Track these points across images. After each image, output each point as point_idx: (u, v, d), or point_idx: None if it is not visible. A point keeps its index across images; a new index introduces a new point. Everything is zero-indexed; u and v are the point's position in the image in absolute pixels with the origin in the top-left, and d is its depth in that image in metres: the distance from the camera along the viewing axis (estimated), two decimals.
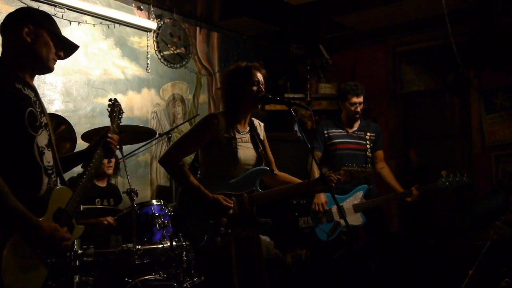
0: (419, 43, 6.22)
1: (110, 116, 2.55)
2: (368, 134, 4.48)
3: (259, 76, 2.95)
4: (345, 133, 4.51)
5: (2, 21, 2.27)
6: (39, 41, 2.21)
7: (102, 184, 4.43)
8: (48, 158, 2.21)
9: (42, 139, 2.19)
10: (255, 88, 2.91)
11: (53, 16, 2.41)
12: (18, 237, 1.99)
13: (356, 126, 4.53)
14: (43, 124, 2.21)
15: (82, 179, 2.29)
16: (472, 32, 4.87)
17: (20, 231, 2.00)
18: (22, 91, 2.13)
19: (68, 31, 4.60)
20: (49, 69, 2.28)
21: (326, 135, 4.52)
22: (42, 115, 2.23)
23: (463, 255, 4.54)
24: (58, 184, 2.26)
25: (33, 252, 2.03)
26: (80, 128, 4.46)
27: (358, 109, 4.45)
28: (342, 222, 4.23)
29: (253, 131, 3.04)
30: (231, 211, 2.79)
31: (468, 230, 4.93)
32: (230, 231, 2.81)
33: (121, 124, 2.65)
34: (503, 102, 5.57)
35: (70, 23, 4.61)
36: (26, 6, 2.47)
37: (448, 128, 6.17)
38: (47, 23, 2.27)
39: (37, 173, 2.13)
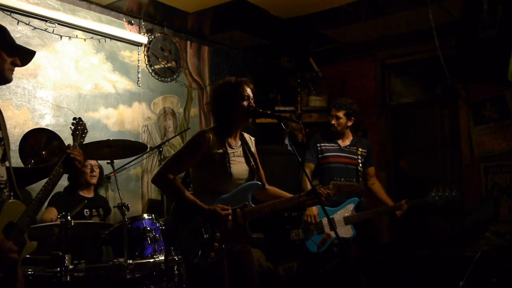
0: (408, 56, 6.29)
1: (72, 134, 2.54)
2: (360, 149, 4.53)
3: (249, 91, 2.98)
4: (337, 147, 4.55)
5: None
6: None
7: (89, 194, 4.42)
8: (1, 172, 2.21)
9: None
10: (245, 103, 2.94)
11: (8, 29, 2.37)
12: None
13: (348, 141, 4.57)
14: None
15: (38, 195, 2.27)
16: (459, 45, 4.92)
17: None
18: None
19: (59, 46, 4.62)
20: (6, 80, 2.29)
21: (319, 148, 4.56)
22: None
23: (453, 266, 4.57)
24: (11, 199, 2.25)
25: None
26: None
27: (333, 121, 4.51)
28: (332, 234, 4.27)
29: (244, 145, 3.06)
30: (230, 218, 2.79)
31: (458, 241, 4.96)
32: (223, 246, 2.81)
33: (87, 131, 2.63)
34: (491, 114, 5.63)
35: (61, 37, 4.62)
36: None
37: (437, 140, 6.22)
38: None
39: None
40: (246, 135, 3.15)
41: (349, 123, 4.55)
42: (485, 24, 4.51)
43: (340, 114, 4.51)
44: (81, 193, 4.37)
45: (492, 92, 5.58)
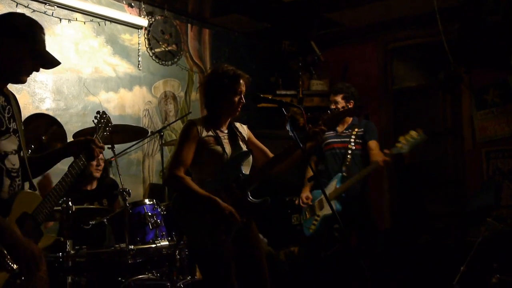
0: (411, 40, 6.23)
1: (96, 127, 2.51)
2: (356, 130, 4.51)
3: (243, 86, 2.95)
4: (334, 134, 4.57)
5: None
6: (11, 56, 2.16)
7: (91, 187, 4.39)
8: (13, 161, 2.17)
9: (7, 144, 2.15)
10: (236, 98, 2.92)
11: (41, 19, 2.35)
12: None
13: (346, 125, 4.58)
14: (11, 130, 2.18)
15: (56, 187, 2.23)
16: (463, 30, 4.88)
17: None
18: None
19: (59, 29, 4.57)
20: (20, 82, 2.26)
21: None
22: (12, 120, 2.19)
23: (454, 252, 4.58)
24: (27, 189, 2.21)
25: None
26: (71, 127, 4.44)
27: (332, 106, 4.53)
28: (321, 213, 4.35)
29: (234, 132, 3.04)
30: (238, 221, 2.77)
31: (460, 227, 4.96)
32: (230, 225, 2.80)
33: (112, 124, 2.61)
34: (493, 99, 5.60)
35: (60, 20, 4.57)
36: (11, 12, 2.38)
37: (439, 125, 6.19)
38: (27, 37, 2.18)
39: None
40: (237, 124, 3.12)
41: (351, 105, 4.51)
42: (489, 9, 4.47)
43: (338, 98, 4.52)
44: (84, 187, 4.35)
45: (495, 77, 5.53)
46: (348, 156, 4.43)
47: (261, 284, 2.93)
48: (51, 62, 2.29)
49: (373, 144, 4.50)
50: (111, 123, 2.58)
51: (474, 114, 5.71)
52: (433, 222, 5.73)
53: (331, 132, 4.55)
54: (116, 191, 3.57)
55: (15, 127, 2.21)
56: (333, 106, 4.53)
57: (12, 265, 1.99)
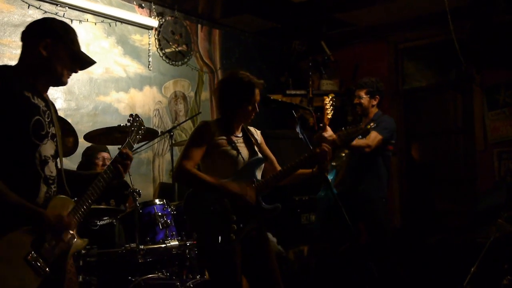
0: (422, 40, 6.20)
1: (128, 130, 2.49)
2: (370, 125, 4.33)
3: (258, 96, 2.95)
4: None
5: (24, 29, 2.27)
6: (55, 57, 2.20)
7: None
8: (52, 168, 2.20)
9: (47, 148, 2.18)
10: (250, 107, 2.93)
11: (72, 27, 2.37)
12: (8, 242, 1.97)
13: (368, 119, 4.38)
14: (50, 135, 2.20)
15: (88, 191, 2.24)
16: (474, 30, 4.85)
17: (25, 221, 2.00)
18: (30, 100, 2.13)
19: None
20: (63, 83, 2.29)
21: None
22: (51, 125, 2.22)
23: (465, 253, 4.56)
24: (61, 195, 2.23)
25: (23, 262, 1.99)
26: (82, 127, 4.48)
27: (355, 101, 4.38)
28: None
29: (248, 136, 3.06)
30: (252, 201, 2.80)
31: (470, 228, 4.94)
32: (241, 226, 2.83)
33: (145, 127, 2.58)
34: (505, 99, 5.56)
35: (71, 21, 4.60)
36: (48, 17, 2.44)
37: (450, 125, 6.16)
38: (66, 39, 2.25)
39: (35, 181, 2.12)
40: (252, 128, 3.14)
41: (374, 102, 4.36)
42: (501, 9, 4.45)
43: (362, 93, 4.35)
44: None
45: (507, 77, 5.49)
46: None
47: (269, 273, 2.94)
48: (88, 62, 2.35)
49: (371, 134, 4.14)
50: (143, 126, 2.56)
51: (486, 114, 5.67)
52: (443, 221, 5.71)
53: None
54: (126, 191, 3.58)
55: (54, 132, 2.24)
56: (356, 101, 4.37)
57: (42, 266, 2.04)
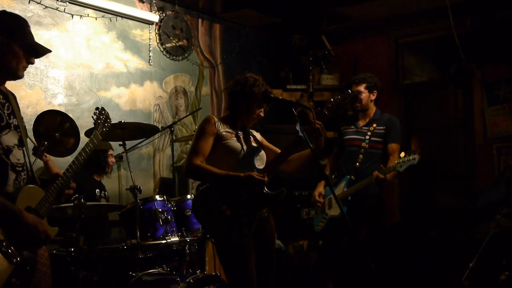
0: (422, 34, 6.18)
1: (95, 123, 2.60)
2: (374, 126, 4.34)
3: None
4: (354, 130, 4.43)
5: None
6: (9, 54, 2.25)
7: (98, 178, 4.52)
8: (18, 155, 2.26)
9: (10, 138, 2.24)
10: (258, 111, 3.06)
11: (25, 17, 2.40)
12: None
13: (367, 119, 4.41)
14: (12, 126, 2.27)
15: (57, 181, 2.32)
16: (475, 25, 4.85)
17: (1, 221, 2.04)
18: None
19: (71, 25, 4.61)
20: (19, 77, 2.34)
21: (342, 131, 4.52)
22: (12, 116, 2.28)
23: (464, 248, 4.58)
24: (30, 184, 2.28)
25: None
26: (83, 122, 4.49)
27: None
28: (329, 212, 4.32)
29: (247, 134, 3.15)
30: (266, 180, 2.85)
31: (470, 223, 4.95)
32: (251, 218, 2.89)
33: (110, 120, 2.68)
34: (505, 94, 5.55)
35: (72, 16, 4.61)
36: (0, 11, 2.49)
37: (450, 120, 6.16)
38: (19, 34, 2.28)
39: (2, 169, 2.18)
40: (252, 130, 3.24)
41: (372, 97, 4.39)
42: (502, 5, 4.44)
43: (361, 88, 4.34)
44: (95, 177, 4.46)
45: (507, 73, 5.48)
46: (360, 155, 4.27)
47: (267, 273, 3.05)
48: (42, 52, 2.40)
49: (392, 147, 4.27)
50: (110, 119, 2.65)
51: (486, 109, 5.67)
52: (442, 217, 5.72)
53: (352, 127, 4.44)
54: (126, 188, 3.62)
55: (16, 123, 2.29)
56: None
57: (15, 253, 2.08)
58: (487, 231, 4.36)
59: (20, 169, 2.25)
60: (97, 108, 2.64)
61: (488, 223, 4.49)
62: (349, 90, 3.14)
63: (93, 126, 2.62)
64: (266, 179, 2.85)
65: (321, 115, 3.02)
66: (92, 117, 2.62)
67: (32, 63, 2.36)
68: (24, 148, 2.31)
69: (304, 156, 3.09)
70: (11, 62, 2.26)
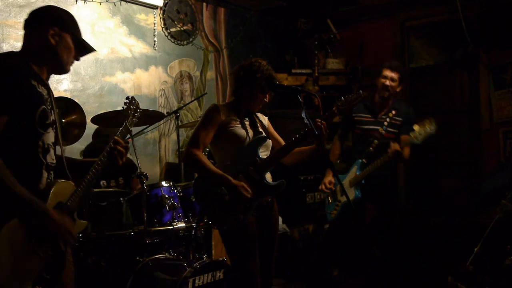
0: (428, 18, 6.12)
1: (125, 113, 2.55)
2: (392, 113, 4.22)
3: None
4: (373, 119, 4.29)
5: (27, 17, 2.28)
6: (63, 45, 2.24)
7: None
8: (53, 156, 2.26)
9: (49, 137, 2.23)
10: (262, 96, 3.04)
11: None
12: (16, 224, 2.01)
13: (385, 109, 4.28)
14: (52, 123, 2.25)
15: (88, 175, 2.31)
16: (482, 9, 4.79)
17: (27, 217, 2.04)
18: (36, 89, 2.16)
19: (75, 10, 4.59)
20: (66, 71, 2.33)
21: (354, 118, 4.33)
22: (52, 112, 2.27)
23: (469, 233, 4.59)
24: (61, 179, 2.28)
25: (28, 244, 2.05)
26: (88, 107, 4.50)
27: (387, 83, 4.16)
28: (342, 199, 4.25)
29: (254, 119, 3.14)
30: (248, 196, 2.86)
31: (475, 208, 4.96)
32: (248, 205, 2.91)
33: (141, 110, 2.63)
34: None
35: (76, 1, 4.59)
36: (51, 5, 2.48)
37: (456, 104, 6.13)
38: (72, 28, 2.29)
39: (38, 168, 2.18)
40: (260, 114, 3.23)
41: (398, 89, 4.25)
42: None
43: (395, 76, 4.16)
44: None
45: None
46: (375, 141, 4.17)
47: (268, 259, 3.07)
48: (89, 49, 2.39)
49: (405, 139, 4.12)
50: (140, 108, 2.62)
51: (492, 93, 5.64)
52: (448, 201, 5.73)
53: (368, 116, 4.29)
54: (134, 174, 3.62)
55: (54, 118, 2.28)
56: (387, 83, 4.15)
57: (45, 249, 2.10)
58: (493, 216, 4.37)
59: (52, 169, 2.27)
60: (127, 98, 2.60)
61: (494, 208, 4.49)
62: (361, 91, 3.10)
63: (123, 114, 2.57)
64: (249, 196, 2.85)
65: (330, 113, 3.02)
66: (123, 106, 2.59)
67: (78, 59, 2.34)
68: (57, 147, 2.32)
69: (305, 151, 3.11)
70: (63, 54, 2.25)
